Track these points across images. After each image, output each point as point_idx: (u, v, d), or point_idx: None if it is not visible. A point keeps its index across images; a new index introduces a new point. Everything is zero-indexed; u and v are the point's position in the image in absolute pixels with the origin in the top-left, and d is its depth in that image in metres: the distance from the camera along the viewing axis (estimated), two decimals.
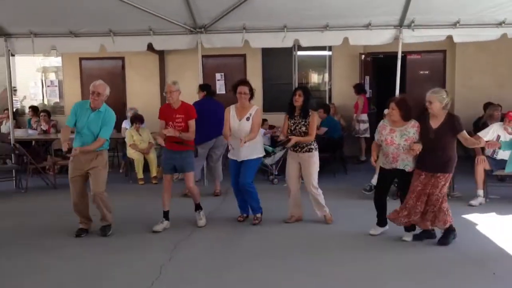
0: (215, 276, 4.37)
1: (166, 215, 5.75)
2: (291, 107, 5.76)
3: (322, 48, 11.11)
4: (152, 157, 8.63)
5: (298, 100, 5.65)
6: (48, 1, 7.20)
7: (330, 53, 11.32)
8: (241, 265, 4.62)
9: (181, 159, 5.65)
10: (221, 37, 7.97)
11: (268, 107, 11.13)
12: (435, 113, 4.94)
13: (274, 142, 8.76)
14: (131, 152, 8.63)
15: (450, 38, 7.63)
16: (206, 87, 7.62)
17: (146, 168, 8.62)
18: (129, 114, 9.34)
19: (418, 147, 4.92)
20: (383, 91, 10.75)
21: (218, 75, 11.32)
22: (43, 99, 12.58)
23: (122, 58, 11.52)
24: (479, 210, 6.36)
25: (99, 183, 5.39)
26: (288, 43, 7.94)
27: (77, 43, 8.18)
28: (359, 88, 10.38)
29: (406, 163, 5.08)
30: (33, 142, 9.57)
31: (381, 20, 7.48)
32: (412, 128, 5.04)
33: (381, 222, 5.41)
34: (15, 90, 12.05)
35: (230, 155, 5.90)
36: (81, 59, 11.62)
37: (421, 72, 11.29)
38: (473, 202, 6.60)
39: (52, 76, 12.91)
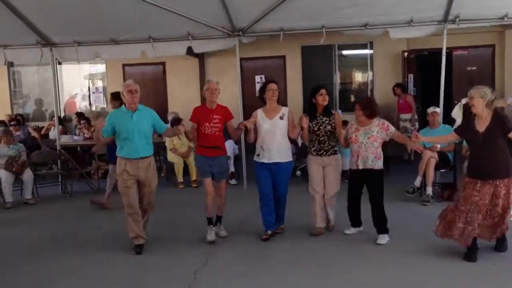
0: (249, 282, 4.31)
1: (211, 221, 5.47)
2: (311, 107, 5.49)
3: (364, 46, 10.89)
4: (192, 161, 8.67)
5: (326, 99, 5.41)
6: (90, 10, 7.36)
7: (371, 51, 11.07)
8: (275, 272, 4.53)
9: (220, 165, 5.42)
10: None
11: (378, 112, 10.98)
12: (479, 112, 4.53)
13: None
14: (171, 156, 8.72)
15: (498, 32, 7.27)
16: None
17: (186, 172, 8.68)
18: (170, 118, 9.44)
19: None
20: (430, 90, 10.40)
21: (257, 78, 11.28)
22: (90, 106, 12.96)
23: (163, 63, 11.70)
24: None
25: (153, 193, 5.28)
26: (327, 40, 7.80)
27: (119, 50, 8.36)
28: (403, 88, 10.15)
29: (365, 161, 5.14)
30: (79, 148, 9.84)
31: (423, 16, 7.23)
32: (376, 127, 5.17)
33: (355, 223, 5.48)
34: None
35: (258, 159, 5.41)
36: (124, 65, 11.89)
37: (468, 69, 10.85)
38: None
39: (98, 83, 13.28)
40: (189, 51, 8.38)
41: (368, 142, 5.15)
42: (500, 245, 4.77)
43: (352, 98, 11.66)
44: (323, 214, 5.53)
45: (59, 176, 8.67)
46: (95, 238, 5.76)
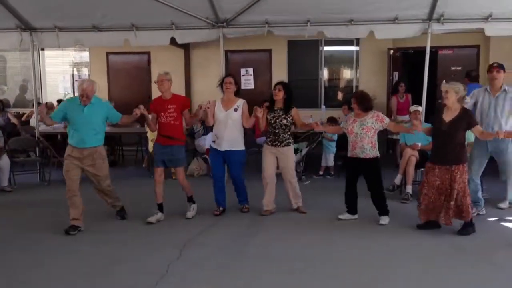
0: (222, 276, 4.26)
1: (160, 207, 5.85)
2: (271, 101, 5.96)
3: (349, 43, 10.88)
4: None
5: (278, 95, 5.87)
6: None
7: (357, 48, 11.07)
8: (250, 265, 4.49)
9: (171, 153, 5.73)
10: (243, 31, 7.86)
11: (293, 103, 10.94)
12: (450, 105, 5.05)
13: (296, 138, 8.59)
14: (153, 147, 8.62)
15: (483, 33, 7.28)
16: None
17: None
18: None
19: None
20: (415, 88, 10.41)
21: (243, 70, 11.19)
22: (73, 93, 12.78)
23: (148, 53, 11.59)
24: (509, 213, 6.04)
25: (104, 179, 5.62)
26: (312, 34, 7.78)
27: (101, 38, 8.20)
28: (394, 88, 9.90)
29: (362, 150, 5.46)
30: (59, 136, 9.69)
31: (408, 14, 7.19)
32: (371, 119, 5.51)
33: (351, 210, 5.74)
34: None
35: (212, 145, 6.01)
36: (108, 53, 11.75)
37: (453, 68, 10.90)
38: (501, 205, 6.26)
39: (83, 71, 13.12)
40: (174, 41, 8.26)
41: (363, 133, 5.47)
42: (463, 229, 5.16)
43: (340, 95, 11.66)
44: (272, 197, 6.04)
45: (37, 163, 8.54)
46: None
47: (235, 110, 5.89)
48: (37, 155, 8.56)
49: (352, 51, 11.18)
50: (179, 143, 5.76)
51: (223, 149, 5.89)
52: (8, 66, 13.03)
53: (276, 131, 5.89)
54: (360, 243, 5.05)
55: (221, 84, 5.99)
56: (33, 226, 5.78)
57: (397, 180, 6.96)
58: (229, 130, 5.86)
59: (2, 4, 7.51)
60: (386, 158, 9.41)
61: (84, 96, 5.39)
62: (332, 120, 8.48)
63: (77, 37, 8.26)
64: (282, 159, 5.96)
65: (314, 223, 5.71)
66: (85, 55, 12.62)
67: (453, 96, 5.01)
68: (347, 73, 11.84)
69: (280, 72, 11.28)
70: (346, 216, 5.77)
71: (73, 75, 12.91)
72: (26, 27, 8.16)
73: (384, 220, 5.59)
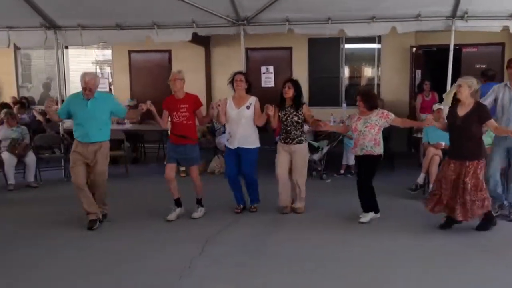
0: (243, 273, 4.29)
1: (177, 202, 5.86)
2: (282, 98, 5.90)
3: (371, 40, 10.79)
4: None
5: (288, 92, 5.81)
6: None
7: (379, 46, 10.96)
8: (271, 263, 4.50)
9: (185, 153, 5.71)
10: (264, 28, 7.87)
11: (314, 100, 10.94)
12: (463, 100, 5.04)
13: (316, 137, 8.58)
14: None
15: (508, 30, 7.15)
16: None
17: None
18: None
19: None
20: (439, 86, 10.28)
21: (263, 68, 11.19)
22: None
23: (169, 51, 11.67)
24: None
25: (99, 175, 5.52)
26: (333, 32, 7.74)
27: (123, 36, 8.30)
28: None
29: (363, 147, 5.44)
30: None
31: (431, 11, 7.11)
32: (375, 116, 5.46)
33: (367, 208, 5.60)
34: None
35: (227, 144, 5.99)
36: (130, 52, 11.87)
37: (477, 66, 10.69)
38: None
39: (105, 69, 13.30)
40: (195, 39, 8.32)
41: (366, 130, 5.44)
42: (481, 225, 5.17)
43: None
44: (288, 193, 5.98)
45: (62, 160, 8.69)
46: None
47: (248, 107, 5.85)
48: (62, 151, 8.71)
49: (373, 49, 11.08)
50: (192, 142, 5.73)
51: (235, 147, 5.86)
52: (32, 64, 13.27)
53: (288, 128, 5.85)
54: (375, 244, 4.99)
55: (232, 81, 5.92)
56: (58, 220, 5.87)
57: (420, 179, 6.89)
58: (242, 128, 5.82)
59: (28, 3, 7.65)
60: (409, 157, 9.37)
61: (87, 89, 5.35)
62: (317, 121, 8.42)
63: (100, 35, 8.39)
64: (293, 157, 5.90)
65: (333, 222, 5.66)
66: (107, 53, 12.79)
67: (466, 90, 5.00)
68: (368, 71, 11.75)
69: (300, 70, 11.24)
70: (367, 216, 5.58)
71: (95, 73, 13.09)
72: (50, 25, 8.29)
73: (365, 217, 5.54)
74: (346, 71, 11.40)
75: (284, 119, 5.86)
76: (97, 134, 5.47)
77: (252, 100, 5.89)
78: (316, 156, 8.05)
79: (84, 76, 5.44)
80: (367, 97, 5.52)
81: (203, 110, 6.02)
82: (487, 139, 5.72)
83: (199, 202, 5.96)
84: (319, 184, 7.73)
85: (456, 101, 5.22)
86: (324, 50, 11.11)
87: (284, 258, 4.62)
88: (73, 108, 5.49)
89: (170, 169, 5.77)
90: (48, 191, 7.59)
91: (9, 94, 12.02)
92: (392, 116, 5.52)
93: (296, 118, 5.82)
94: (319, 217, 5.88)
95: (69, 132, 8.87)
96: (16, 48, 12.15)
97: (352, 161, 8.31)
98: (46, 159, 8.62)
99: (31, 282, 4.21)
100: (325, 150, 8.04)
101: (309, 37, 10.93)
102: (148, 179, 8.16)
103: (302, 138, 5.90)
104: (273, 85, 10.93)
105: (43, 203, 6.82)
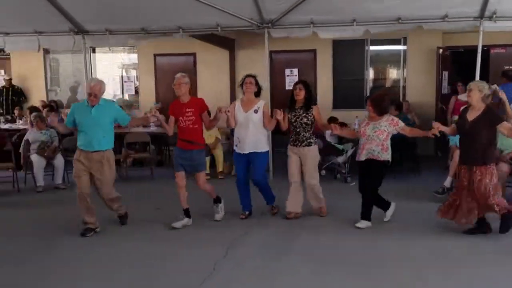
0: (267, 276, 4.30)
1: (186, 212, 5.72)
2: (292, 100, 5.82)
3: (396, 42, 10.66)
4: (219, 152, 8.71)
5: (299, 94, 5.73)
6: (123, 0, 7.48)
7: (405, 47, 10.82)
8: (294, 266, 4.50)
9: (191, 158, 5.57)
10: (288, 31, 7.88)
11: (338, 103, 10.88)
12: (474, 104, 4.98)
13: (341, 139, 8.53)
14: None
15: None
16: None
17: (213, 163, 8.72)
18: None
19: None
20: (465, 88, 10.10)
21: (287, 71, 11.20)
22: (122, 94, 13.16)
23: (194, 54, 11.75)
24: None
25: (106, 186, 5.43)
26: (358, 33, 7.72)
27: (149, 39, 8.45)
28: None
29: (369, 152, 5.37)
30: None
31: (458, 12, 7.03)
32: (385, 122, 5.41)
33: (365, 215, 5.50)
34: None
35: (236, 149, 5.87)
36: (155, 55, 12.00)
37: (506, 67, 10.46)
38: None
39: (131, 72, 13.47)
40: (219, 42, 8.41)
41: (374, 135, 5.39)
42: (502, 227, 5.00)
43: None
44: (296, 199, 5.87)
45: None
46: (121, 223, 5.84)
47: (255, 111, 5.72)
48: None
49: (399, 50, 10.94)
50: (198, 148, 5.60)
51: (246, 152, 5.74)
52: (61, 68, 13.55)
53: (298, 130, 5.76)
54: (401, 246, 4.95)
55: (242, 84, 5.83)
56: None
57: (447, 182, 6.76)
58: (250, 132, 5.70)
59: (57, 9, 7.84)
60: (435, 160, 9.23)
61: (92, 95, 5.28)
62: (334, 120, 8.39)
63: (126, 39, 8.55)
64: (302, 159, 5.80)
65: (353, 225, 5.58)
66: (133, 57, 12.94)
67: (477, 95, 4.93)
68: (393, 73, 11.60)
69: (324, 72, 11.20)
70: (364, 223, 5.52)
71: (122, 76, 13.26)
72: (79, 30, 8.48)
73: (362, 223, 5.48)
74: (370, 73, 11.29)
75: (293, 121, 5.79)
76: (101, 142, 5.36)
77: (261, 104, 5.77)
78: (340, 159, 8.02)
79: (90, 82, 5.42)
80: (377, 102, 5.47)
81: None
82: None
83: (216, 201, 5.90)
84: (343, 187, 7.69)
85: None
86: (348, 52, 11.03)
87: (307, 261, 4.61)
88: (77, 115, 5.40)
89: (181, 177, 5.64)
90: (75, 193, 7.71)
91: (38, 98, 12.29)
92: (401, 124, 5.49)
93: (305, 120, 5.73)
94: (342, 220, 5.83)
95: None
96: (45, 53, 12.44)
97: None
98: None
99: (65, 279, 4.30)
100: (349, 153, 7.99)
101: (333, 39, 10.86)
102: (172, 182, 8.13)
103: (312, 140, 5.80)
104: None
105: (71, 204, 6.92)
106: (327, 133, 7.74)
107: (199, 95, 11.72)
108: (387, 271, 4.35)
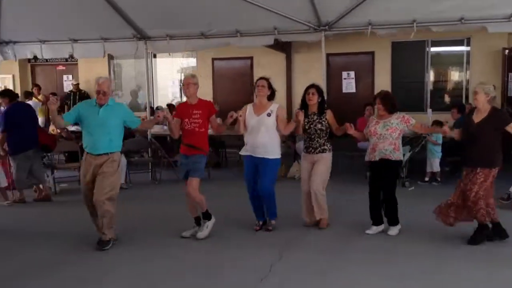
0: (322, 281, 4.28)
1: (197, 221, 5.45)
2: (304, 105, 5.60)
3: (459, 43, 10.32)
4: None
5: (312, 99, 5.54)
6: (182, 5, 7.70)
7: (468, 48, 10.44)
8: (349, 272, 4.45)
9: (191, 163, 5.22)
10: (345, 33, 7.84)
11: (397, 106, 10.62)
12: (479, 106, 4.92)
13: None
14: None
15: None
16: (9, 93, 7.60)
17: None
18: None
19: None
20: None
21: (344, 74, 11.11)
22: (181, 97, 13.51)
23: (251, 58, 11.90)
24: None
25: (102, 191, 4.97)
26: (419, 36, 7.52)
27: (207, 43, 8.63)
28: None
29: (381, 151, 5.22)
30: (168, 137, 10.29)
31: None
32: (396, 120, 5.26)
33: (376, 221, 5.38)
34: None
35: (243, 152, 5.50)
36: (213, 59, 12.25)
37: None
38: None
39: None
40: (276, 46, 8.44)
41: (387, 134, 5.24)
42: (472, 239, 4.95)
43: (447, 98, 11.11)
44: (310, 208, 5.62)
45: (149, 163, 9.15)
46: (179, 222, 5.82)
47: (268, 115, 5.37)
48: (150, 155, 9.17)
49: (462, 52, 10.59)
50: (200, 153, 5.23)
51: (256, 156, 5.37)
52: (123, 73, 14.12)
53: (312, 136, 5.55)
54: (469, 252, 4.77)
55: (254, 87, 5.51)
56: (145, 223, 6.13)
57: None
58: (262, 137, 5.33)
59: (121, 15, 8.18)
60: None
61: (101, 92, 4.97)
62: (438, 124, 8.11)
63: (185, 44, 8.78)
64: (314, 165, 5.53)
65: (414, 232, 5.45)
66: (192, 61, 13.28)
67: (483, 97, 4.87)
68: (455, 75, 11.23)
69: (383, 75, 11.02)
70: (373, 229, 5.40)
71: (180, 80, 13.63)
72: (141, 36, 8.81)
73: (393, 230, 5.33)
74: (431, 75, 10.98)
75: (307, 127, 5.55)
76: (107, 145, 5.03)
77: (274, 107, 5.42)
78: (329, 168, 7.77)
79: (98, 79, 5.08)
80: (387, 100, 5.33)
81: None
82: None
83: (205, 217, 5.38)
84: (401, 192, 7.46)
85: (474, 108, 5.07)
86: (408, 54, 10.78)
87: (364, 263, 4.58)
88: (83, 113, 5.07)
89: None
90: (137, 193, 8.02)
91: None
92: (413, 121, 5.34)
93: (320, 126, 5.52)
94: (404, 225, 5.63)
95: (156, 137, 9.38)
96: (110, 58, 13.00)
97: (437, 168, 7.99)
98: (135, 163, 9.13)
99: (125, 278, 4.48)
100: (407, 156, 7.80)
101: (392, 41, 10.67)
102: (229, 183, 8.37)
103: (326, 147, 5.56)
104: (354, 90, 10.83)
105: (133, 204, 7.18)
106: None
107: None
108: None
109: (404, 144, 8.04)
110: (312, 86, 5.64)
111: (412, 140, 7.91)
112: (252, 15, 7.65)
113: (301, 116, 5.41)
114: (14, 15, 8.42)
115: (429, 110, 9.73)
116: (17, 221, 6.50)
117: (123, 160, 8.35)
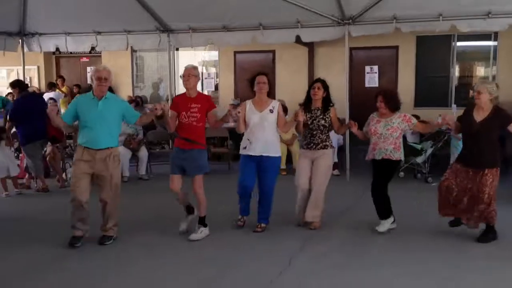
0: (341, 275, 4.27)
1: (188, 210, 5.35)
2: (308, 100, 5.46)
3: (486, 38, 10.10)
4: (296, 148, 8.71)
5: (317, 94, 5.36)
6: None
7: (495, 43, 10.22)
8: (370, 267, 4.42)
9: (192, 159, 5.02)
10: (369, 27, 7.72)
11: (420, 101, 10.50)
12: (482, 105, 4.82)
13: (421, 137, 8.25)
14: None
15: None
16: (19, 83, 7.58)
17: (289, 160, 8.76)
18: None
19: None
20: None
21: (367, 68, 10.96)
22: (202, 90, 13.56)
23: (273, 52, 11.85)
24: None
25: (114, 187, 4.93)
26: (444, 28, 7.37)
27: (230, 37, 8.63)
28: None
29: (383, 151, 5.12)
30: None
31: None
32: (398, 119, 5.16)
33: (382, 215, 5.27)
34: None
35: (245, 152, 5.30)
36: (235, 52, 12.25)
37: None
38: None
39: (211, 69, 13.85)
40: (299, 39, 8.39)
41: (387, 133, 5.16)
42: (483, 236, 4.93)
43: (471, 94, 10.89)
44: (305, 205, 5.45)
45: (170, 155, 9.18)
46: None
47: (271, 111, 5.23)
48: (170, 147, 9.24)
49: (488, 46, 10.37)
50: (199, 147, 5.04)
51: (257, 154, 5.22)
52: (146, 66, 14.23)
53: (314, 132, 5.38)
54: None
55: (252, 83, 5.29)
56: (164, 213, 6.11)
57: None
58: (264, 133, 5.20)
59: (145, 9, 8.24)
60: None
61: (102, 78, 4.77)
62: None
63: (208, 37, 8.79)
64: (315, 163, 5.38)
65: (438, 229, 5.35)
66: (213, 54, 13.31)
67: (486, 96, 4.77)
68: (481, 71, 11.02)
69: (407, 69, 10.87)
70: (382, 223, 5.26)
71: (202, 73, 13.68)
72: (164, 28, 8.85)
73: (382, 226, 5.22)
74: (456, 70, 10.79)
75: (310, 122, 5.39)
76: (108, 138, 4.88)
77: (275, 103, 5.31)
78: (420, 159, 7.75)
79: (98, 67, 4.95)
80: (389, 98, 5.17)
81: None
82: None
83: (201, 221, 5.20)
84: (424, 187, 7.44)
85: (471, 105, 4.97)
86: (433, 49, 10.61)
87: (385, 259, 4.56)
88: (81, 108, 4.87)
89: (176, 181, 5.11)
90: (158, 184, 8.05)
91: (126, 94, 12.98)
92: (414, 120, 5.23)
93: (323, 122, 5.37)
94: (423, 221, 5.63)
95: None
96: (133, 51, 13.11)
97: None
98: (157, 154, 9.22)
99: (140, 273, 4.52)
100: (429, 152, 7.70)
101: (417, 35, 10.51)
102: None
103: (327, 143, 5.42)
104: (376, 85, 10.67)
105: (153, 195, 7.25)
106: (409, 132, 7.47)
107: (277, 92, 11.80)
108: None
109: (426, 140, 7.98)
110: (318, 80, 5.50)
111: (434, 136, 7.80)
112: (275, 8, 7.63)
113: (301, 117, 5.27)
114: (39, 7, 8.55)
115: (454, 106, 9.57)
116: (25, 211, 6.53)
117: (145, 151, 8.45)
